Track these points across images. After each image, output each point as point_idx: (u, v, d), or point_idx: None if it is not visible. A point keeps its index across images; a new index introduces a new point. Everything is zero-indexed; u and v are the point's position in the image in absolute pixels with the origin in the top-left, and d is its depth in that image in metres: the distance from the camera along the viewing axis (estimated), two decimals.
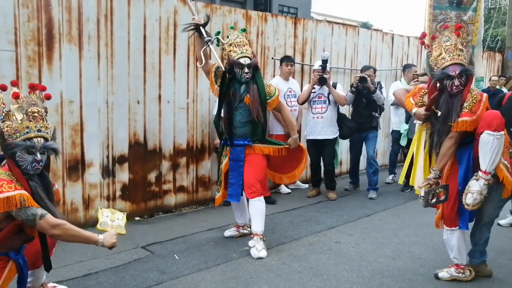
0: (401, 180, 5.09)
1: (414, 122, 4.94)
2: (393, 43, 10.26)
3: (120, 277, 4.38)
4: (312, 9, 31.49)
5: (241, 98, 5.06)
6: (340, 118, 7.49)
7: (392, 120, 8.76)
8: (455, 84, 4.05)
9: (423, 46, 4.67)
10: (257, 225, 5.05)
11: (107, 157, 5.86)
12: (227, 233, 5.57)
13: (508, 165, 4.07)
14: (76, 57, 5.49)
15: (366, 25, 36.23)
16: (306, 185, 8.18)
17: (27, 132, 3.08)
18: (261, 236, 5.04)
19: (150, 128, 6.23)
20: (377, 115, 7.67)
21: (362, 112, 7.60)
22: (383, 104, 7.76)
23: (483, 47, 17.78)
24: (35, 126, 3.12)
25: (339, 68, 8.98)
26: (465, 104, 4.04)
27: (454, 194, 4.17)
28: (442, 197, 4.13)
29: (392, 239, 5.59)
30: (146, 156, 6.23)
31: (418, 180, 4.58)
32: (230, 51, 5.06)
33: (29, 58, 5.12)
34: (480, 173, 3.96)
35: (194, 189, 6.84)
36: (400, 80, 8.85)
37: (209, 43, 5.08)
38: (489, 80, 11.50)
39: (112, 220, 3.42)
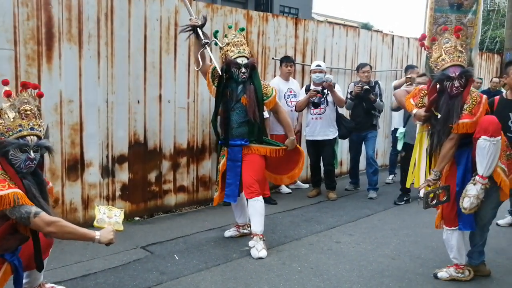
0: (408, 184, 5.08)
1: (415, 123, 4.92)
2: (393, 44, 10.25)
3: (119, 277, 4.36)
4: (313, 10, 31.58)
5: (238, 98, 5.05)
6: (338, 118, 7.48)
7: (392, 120, 8.76)
8: (455, 85, 4.07)
9: (422, 48, 4.68)
10: (257, 225, 5.04)
11: (107, 156, 5.85)
12: (227, 233, 5.56)
13: (505, 168, 4.13)
14: (76, 56, 5.47)
15: (366, 26, 36.30)
16: (307, 185, 8.17)
17: (20, 131, 3.07)
18: (261, 236, 5.03)
19: (150, 127, 6.22)
20: (376, 113, 7.68)
21: (361, 111, 7.62)
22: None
23: (482, 49, 17.85)
24: (28, 124, 3.10)
25: (339, 69, 8.97)
26: (465, 106, 4.06)
27: (453, 195, 4.20)
28: (444, 198, 4.15)
29: (392, 239, 5.58)
30: (146, 156, 6.21)
31: (422, 181, 4.58)
32: (227, 50, 5.06)
33: (28, 57, 5.11)
34: (477, 178, 4.02)
35: (195, 189, 6.83)
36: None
37: (206, 45, 5.07)
38: (490, 81, 11.48)
39: (109, 217, 3.37)
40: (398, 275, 4.52)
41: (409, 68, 8.65)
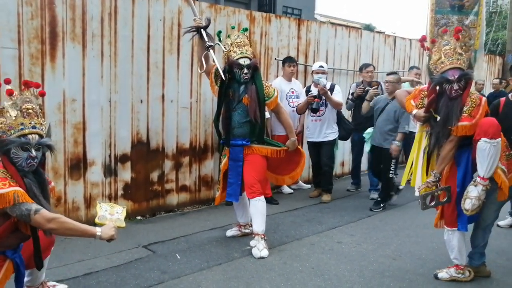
0: (403, 182, 5.09)
1: (415, 123, 4.91)
2: (395, 46, 10.27)
3: (121, 276, 4.38)
4: (316, 11, 31.55)
5: (239, 99, 5.08)
6: (339, 119, 7.48)
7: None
8: (454, 88, 4.10)
9: (423, 48, 4.71)
10: (258, 225, 5.06)
11: (109, 156, 5.87)
12: (229, 233, 5.58)
13: (505, 169, 4.16)
14: (80, 56, 5.49)
15: (369, 27, 36.25)
16: (309, 186, 8.19)
17: (22, 129, 3.07)
18: (263, 236, 5.05)
19: (153, 127, 6.24)
20: None
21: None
22: None
23: (484, 51, 17.81)
24: (30, 123, 3.10)
25: (342, 70, 8.99)
26: (464, 109, 4.09)
27: (454, 196, 4.22)
28: (444, 199, 4.18)
29: (393, 239, 5.60)
30: (148, 155, 6.24)
31: (418, 181, 4.60)
32: (230, 51, 5.09)
33: (32, 56, 5.13)
34: (478, 179, 4.05)
35: (197, 188, 6.85)
36: None
37: (209, 48, 5.10)
38: (491, 83, 11.50)
39: (111, 214, 3.37)
40: (399, 275, 4.54)
41: (410, 69, 8.69)
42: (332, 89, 7.21)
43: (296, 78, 7.83)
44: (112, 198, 5.92)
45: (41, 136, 3.16)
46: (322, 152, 7.39)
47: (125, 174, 6.04)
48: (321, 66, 7.18)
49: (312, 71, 7.39)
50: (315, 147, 7.45)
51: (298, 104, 7.31)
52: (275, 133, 7.14)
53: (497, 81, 11.36)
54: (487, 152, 3.94)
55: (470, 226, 4.40)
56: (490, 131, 3.93)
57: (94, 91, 5.64)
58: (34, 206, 3.00)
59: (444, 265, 4.55)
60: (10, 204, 2.92)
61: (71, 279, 4.27)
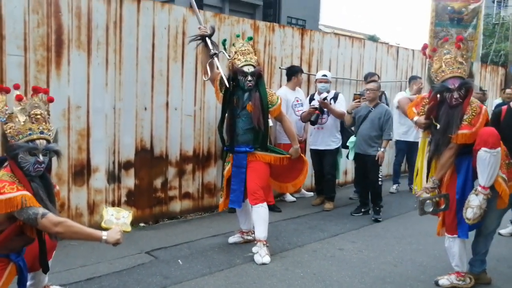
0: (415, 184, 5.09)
1: (416, 130, 4.94)
2: (398, 56, 10.32)
3: (123, 281, 4.41)
4: (320, 22, 31.68)
5: (243, 106, 5.13)
6: (342, 128, 7.49)
7: (395, 130, 8.78)
8: (454, 96, 4.14)
9: (424, 56, 4.76)
10: (260, 231, 5.09)
11: (113, 162, 5.91)
12: (232, 239, 5.60)
13: (506, 178, 4.18)
14: (85, 63, 5.55)
15: (373, 38, 36.37)
16: (311, 194, 8.19)
17: (30, 134, 3.11)
18: (265, 242, 5.07)
19: (157, 134, 6.28)
20: None
21: None
22: None
23: (487, 62, 17.86)
24: (38, 128, 3.15)
25: (345, 79, 9.03)
26: (464, 117, 4.13)
27: (453, 203, 4.25)
28: (442, 206, 4.21)
29: (394, 246, 5.61)
30: (152, 162, 6.27)
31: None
32: (234, 59, 5.15)
33: (37, 63, 5.19)
34: (479, 188, 4.08)
35: (200, 195, 6.87)
36: (405, 91, 8.91)
37: (214, 56, 5.16)
38: (504, 93, 11.39)
39: (117, 218, 3.38)
40: (400, 282, 4.55)
41: (412, 79, 8.72)
42: (335, 97, 7.25)
43: (300, 87, 7.87)
44: (115, 204, 5.93)
45: (48, 141, 3.21)
46: (324, 161, 7.39)
47: (129, 181, 6.08)
48: (324, 75, 7.20)
49: (316, 79, 7.42)
50: (317, 155, 7.46)
51: (302, 113, 7.35)
52: (280, 141, 7.16)
53: (510, 90, 11.28)
54: (487, 162, 3.97)
55: (471, 233, 4.41)
56: (490, 140, 3.97)
57: (98, 98, 5.69)
58: (41, 210, 3.04)
59: (445, 272, 4.56)
60: (18, 208, 2.97)
61: (73, 284, 4.30)
